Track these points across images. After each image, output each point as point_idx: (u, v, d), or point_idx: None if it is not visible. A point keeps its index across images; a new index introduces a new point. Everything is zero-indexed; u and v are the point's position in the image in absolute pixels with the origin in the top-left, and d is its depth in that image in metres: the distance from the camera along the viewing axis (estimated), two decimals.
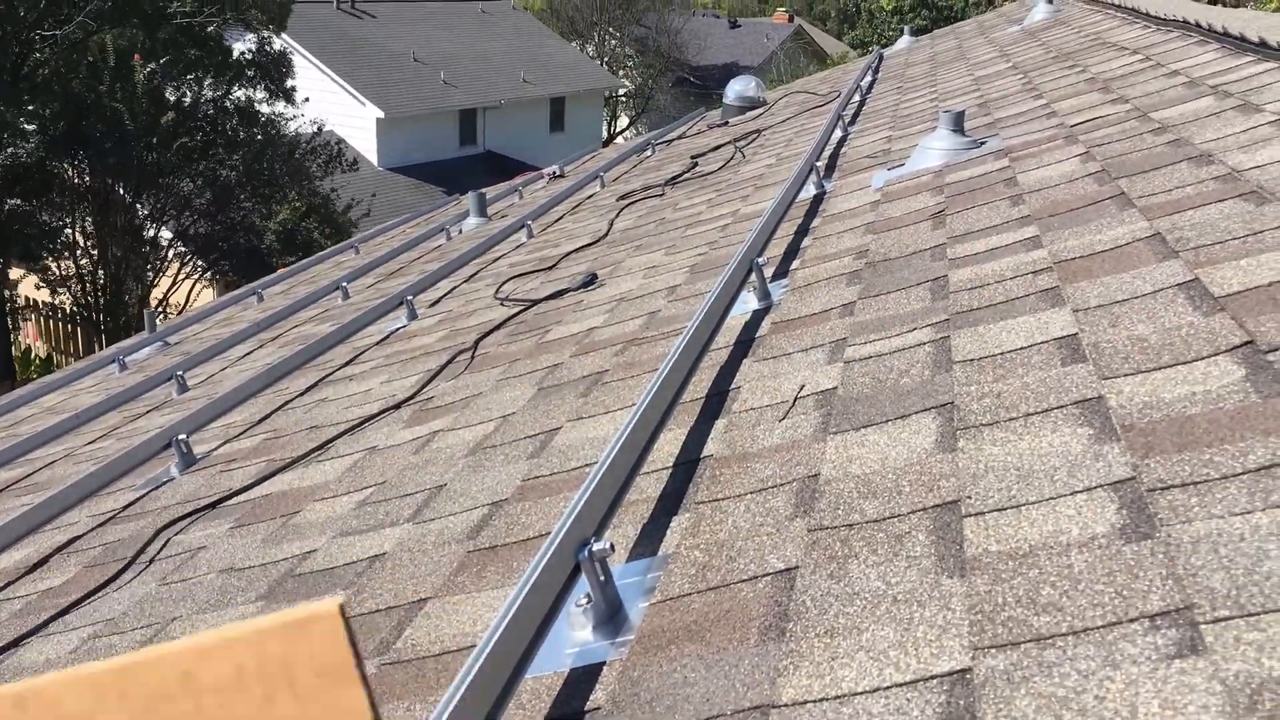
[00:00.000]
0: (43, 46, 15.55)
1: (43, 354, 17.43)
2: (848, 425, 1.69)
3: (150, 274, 17.12)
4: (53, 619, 2.07)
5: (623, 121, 35.86)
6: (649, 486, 1.73)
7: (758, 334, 2.37)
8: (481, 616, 1.49)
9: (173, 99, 16.34)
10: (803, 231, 3.28)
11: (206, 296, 17.25)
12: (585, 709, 1.19)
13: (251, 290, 6.98)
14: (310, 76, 22.91)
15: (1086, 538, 1.16)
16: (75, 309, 16.97)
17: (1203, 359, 1.48)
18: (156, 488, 2.86)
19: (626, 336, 2.77)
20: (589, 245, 4.51)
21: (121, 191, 16.29)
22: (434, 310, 4.25)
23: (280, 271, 7.91)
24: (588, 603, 1.33)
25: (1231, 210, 2.04)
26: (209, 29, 16.55)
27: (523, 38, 30.68)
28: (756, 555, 1.38)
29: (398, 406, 2.86)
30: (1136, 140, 2.89)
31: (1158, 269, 1.88)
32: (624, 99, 35.60)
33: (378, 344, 3.93)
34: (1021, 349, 1.75)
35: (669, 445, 1.87)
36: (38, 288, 17.07)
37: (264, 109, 17.75)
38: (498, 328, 3.43)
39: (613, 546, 1.34)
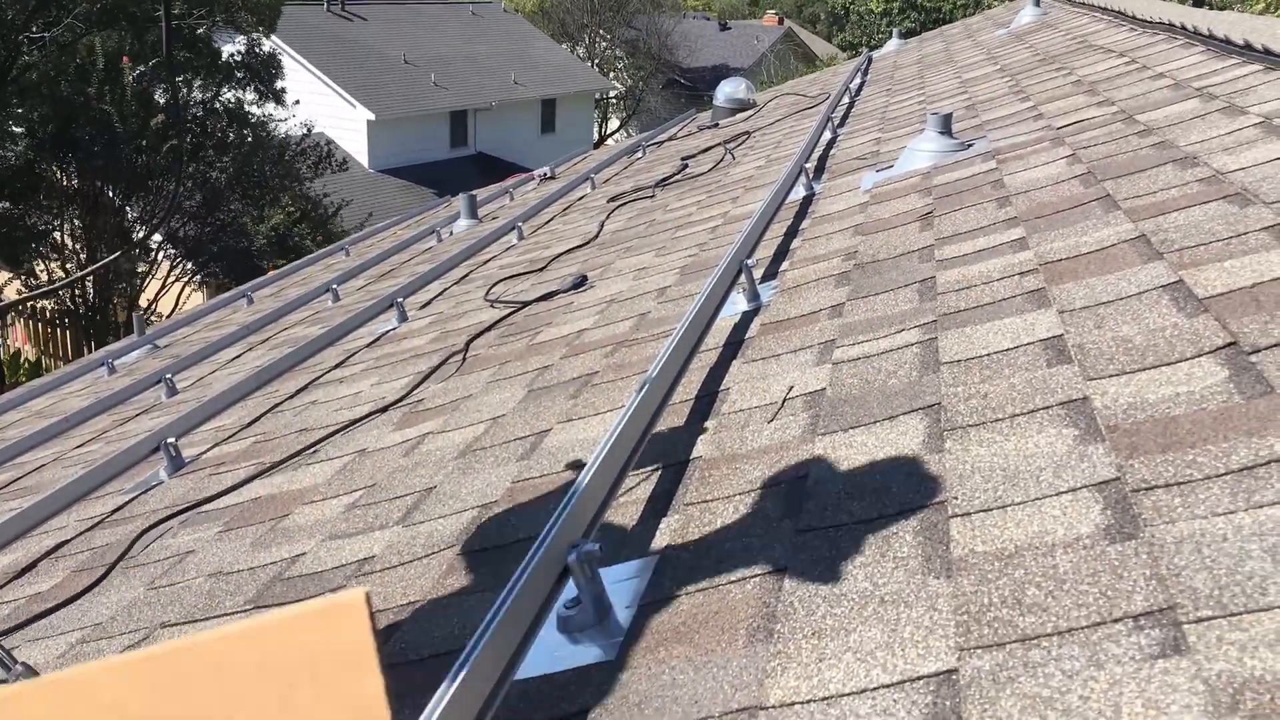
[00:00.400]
0: (31, 48, 15.48)
1: (31, 357, 17.35)
2: (836, 426, 1.69)
3: (139, 278, 17.05)
4: (30, 621, 2.06)
5: (613, 123, 35.87)
6: (638, 488, 1.73)
7: (747, 335, 2.38)
8: (469, 619, 1.49)
9: (162, 101, 16.27)
10: (792, 233, 3.29)
11: (196, 300, 17.19)
12: (574, 711, 1.19)
13: (241, 293, 6.97)
14: (300, 79, 22.88)
15: (1071, 538, 1.16)
16: (64, 312, 16.89)
17: (1186, 360, 1.49)
18: (145, 491, 2.85)
19: (617, 338, 2.77)
20: (579, 247, 4.52)
21: (110, 194, 16.23)
22: (425, 312, 4.25)
23: (270, 274, 7.90)
24: (576, 605, 1.34)
25: (1216, 212, 2.06)
26: (198, 31, 16.50)
27: (513, 40, 30.69)
28: (745, 556, 1.39)
29: (384, 410, 2.86)
30: (1122, 142, 2.90)
31: (1142, 270, 1.89)
32: (614, 101, 35.61)
33: (368, 346, 3.93)
34: (1008, 350, 1.76)
35: (658, 446, 1.87)
36: (19, 292, 16.99)
37: (254, 111, 17.70)
38: (488, 329, 3.43)
39: (601, 548, 1.35)
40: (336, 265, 7.18)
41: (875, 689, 1.03)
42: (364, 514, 2.10)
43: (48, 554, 2.56)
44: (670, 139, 8.28)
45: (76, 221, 16.41)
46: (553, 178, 8.18)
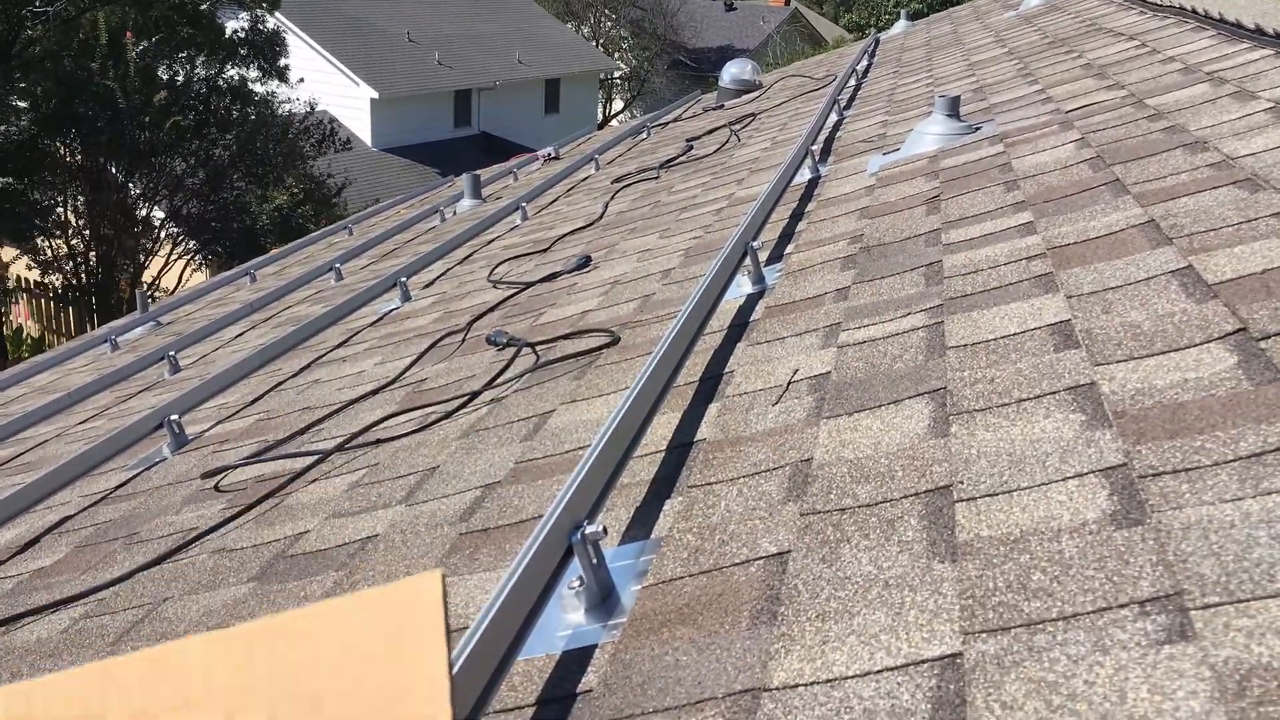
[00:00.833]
0: (34, 23, 15.43)
1: (34, 333, 17.37)
2: (841, 410, 1.69)
3: (142, 255, 17.04)
4: (49, 607, 2.07)
5: (618, 104, 35.74)
6: (642, 470, 1.73)
7: (752, 318, 2.37)
8: (474, 599, 1.49)
9: (165, 78, 16.22)
10: (797, 216, 3.28)
11: (199, 278, 17.18)
12: (577, 691, 1.19)
13: (244, 271, 6.96)
14: (304, 56, 22.79)
15: (1078, 523, 1.16)
16: (67, 288, 16.89)
17: (1195, 346, 1.49)
18: (148, 468, 2.85)
19: (620, 319, 2.77)
20: (584, 228, 4.50)
21: (113, 170, 16.20)
22: (428, 292, 4.24)
23: (273, 252, 7.89)
24: (580, 585, 1.34)
25: (1225, 197, 2.04)
26: (202, 7, 16.43)
27: (518, 19, 30.54)
28: (749, 539, 1.39)
29: (376, 392, 2.86)
30: (1131, 126, 2.89)
31: (1151, 256, 1.88)
32: (619, 81, 35.47)
33: (371, 325, 3.93)
34: (1015, 335, 1.75)
35: (662, 429, 1.87)
36: (29, 268, 16.99)
37: (257, 88, 17.65)
38: (492, 310, 3.43)
39: (605, 530, 1.34)
40: (340, 244, 7.17)
41: (879, 672, 1.03)
42: (367, 493, 2.10)
43: (51, 529, 2.56)
44: (675, 120, 8.24)
45: (80, 198, 16.39)
46: (557, 158, 8.15)
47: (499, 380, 2.54)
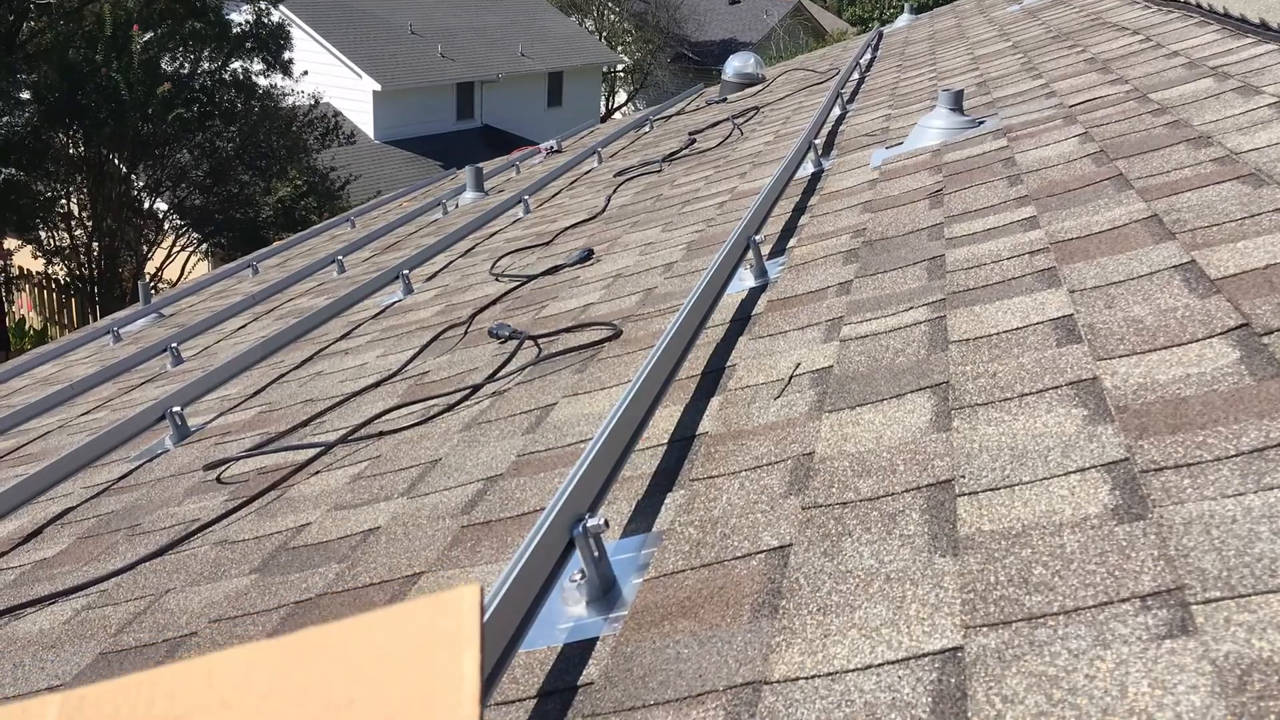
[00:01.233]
0: (38, 14, 15.42)
1: (37, 325, 17.38)
2: (843, 404, 1.69)
3: (145, 246, 17.04)
4: (50, 598, 2.07)
5: (621, 97, 35.69)
6: (644, 463, 1.73)
7: (754, 312, 2.37)
8: None
9: (169, 70, 16.21)
10: (800, 209, 3.28)
11: (201, 270, 17.18)
12: (578, 683, 1.19)
13: (247, 263, 6.96)
14: (307, 48, 22.76)
15: (1079, 518, 1.16)
16: (70, 280, 16.90)
17: (1198, 341, 1.48)
18: (151, 459, 2.86)
19: (623, 313, 2.77)
20: (586, 221, 4.50)
21: (117, 162, 16.19)
22: (430, 285, 4.24)
23: (276, 244, 7.89)
24: (581, 578, 1.34)
25: (1229, 192, 2.04)
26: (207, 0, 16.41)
27: (521, 11, 30.48)
28: (750, 533, 1.39)
29: (378, 385, 2.86)
30: (1135, 121, 2.88)
31: (1154, 250, 1.88)
32: (622, 74, 35.41)
33: (373, 318, 3.93)
34: (1017, 329, 1.75)
35: (664, 422, 1.87)
36: (34, 257, 16.99)
37: (261, 82, 17.63)
38: (494, 303, 3.43)
39: (607, 523, 1.35)
40: (342, 236, 7.17)
41: (880, 665, 1.03)
42: (369, 485, 2.10)
43: (53, 520, 2.57)
44: (678, 113, 8.23)
45: (83, 190, 16.39)
46: (559, 151, 8.15)
47: (501, 373, 2.54)
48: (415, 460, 2.15)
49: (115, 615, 1.85)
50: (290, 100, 18.23)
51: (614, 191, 5.01)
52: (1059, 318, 1.73)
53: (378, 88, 24.85)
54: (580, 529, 1.32)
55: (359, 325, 3.86)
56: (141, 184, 16.78)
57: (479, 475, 1.94)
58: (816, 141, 4.02)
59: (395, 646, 0.63)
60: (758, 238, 2.65)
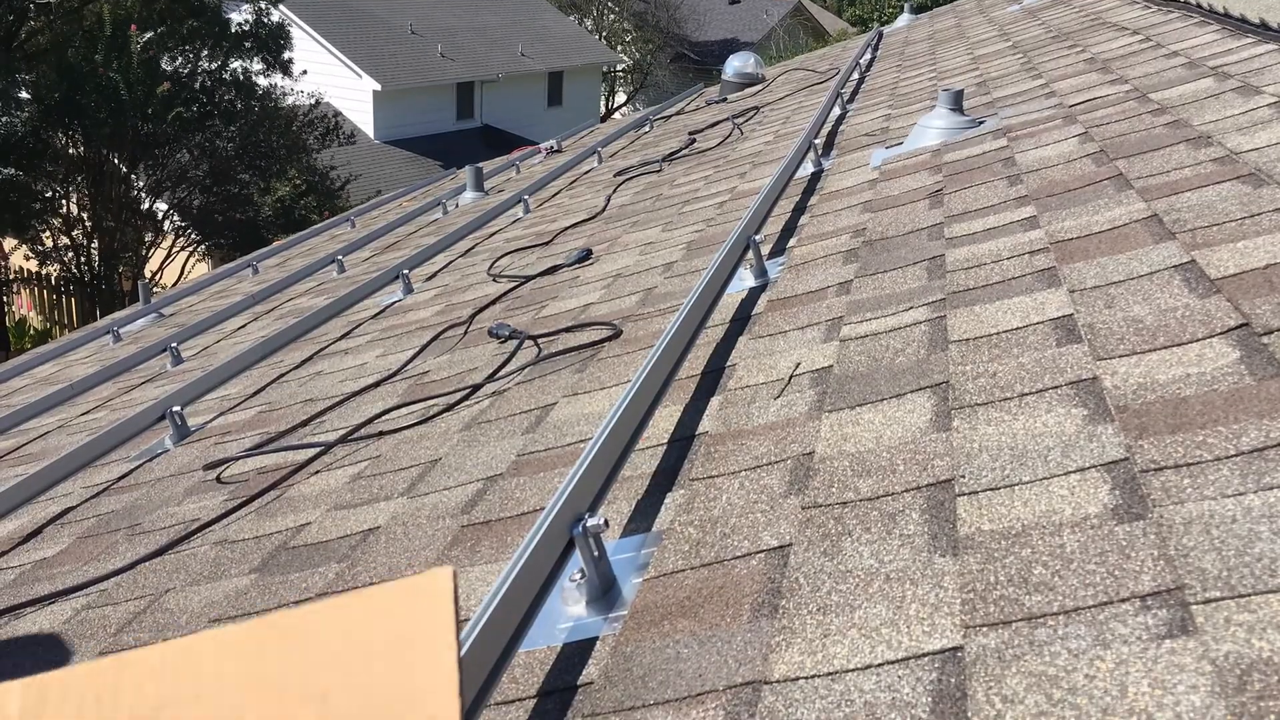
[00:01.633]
0: (37, 14, 15.41)
1: (38, 325, 17.38)
2: (843, 403, 1.69)
3: (145, 247, 17.03)
4: (49, 598, 2.07)
5: (620, 97, 35.69)
6: (644, 463, 1.73)
7: (754, 311, 2.37)
8: (475, 591, 1.50)
9: (169, 70, 16.21)
10: (800, 209, 3.28)
11: (200, 270, 17.17)
12: (578, 683, 1.19)
13: (247, 263, 6.97)
14: (307, 48, 22.76)
15: (1079, 518, 1.16)
16: (70, 280, 16.90)
17: (1198, 341, 1.48)
18: (151, 459, 2.86)
19: (622, 313, 2.77)
20: (586, 221, 4.50)
21: (116, 162, 16.19)
22: (430, 284, 4.24)
23: (276, 244, 7.89)
24: (581, 578, 1.34)
25: (1229, 192, 2.04)
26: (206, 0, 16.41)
27: (521, 11, 30.48)
28: (750, 532, 1.39)
29: (378, 385, 2.86)
30: (1135, 121, 2.88)
31: (1154, 250, 1.88)
32: (622, 74, 35.40)
33: (373, 318, 3.93)
34: (1017, 329, 1.75)
35: (664, 422, 1.87)
36: (26, 259, 16.99)
37: (261, 81, 17.63)
38: (494, 302, 3.43)
39: (607, 522, 1.34)
40: (342, 236, 7.17)
41: (880, 665, 1.03)
42: (369, 485, 2.10)
43: (53, 520, 2.57)
44: (678, 113, 8.23)
45: (83, 190, 16.38)
46: (559, 151, 8.15)
47: (501, 373, 2.54)
48: (415, 460, 2.15)
49: (115, 615, 1.85)
50: (290, 100, 18.23)
51: (614, 191, 5.01)
52: (1059, 317, 1.73)
53: (378, 87, 24.85)
54: (580, 529, 1.32)
55: (359, 325, 3.86)
56: (141, 184, 16.77)
57: (479, 475, 1.94)
58: (816, 141, 4.02)
59: (369, 632, 0.62)
60: (758, 237, 2.65)
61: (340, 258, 5.42)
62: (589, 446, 1.47)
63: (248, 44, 17.26)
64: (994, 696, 0.93)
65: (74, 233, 16.51)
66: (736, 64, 8.34)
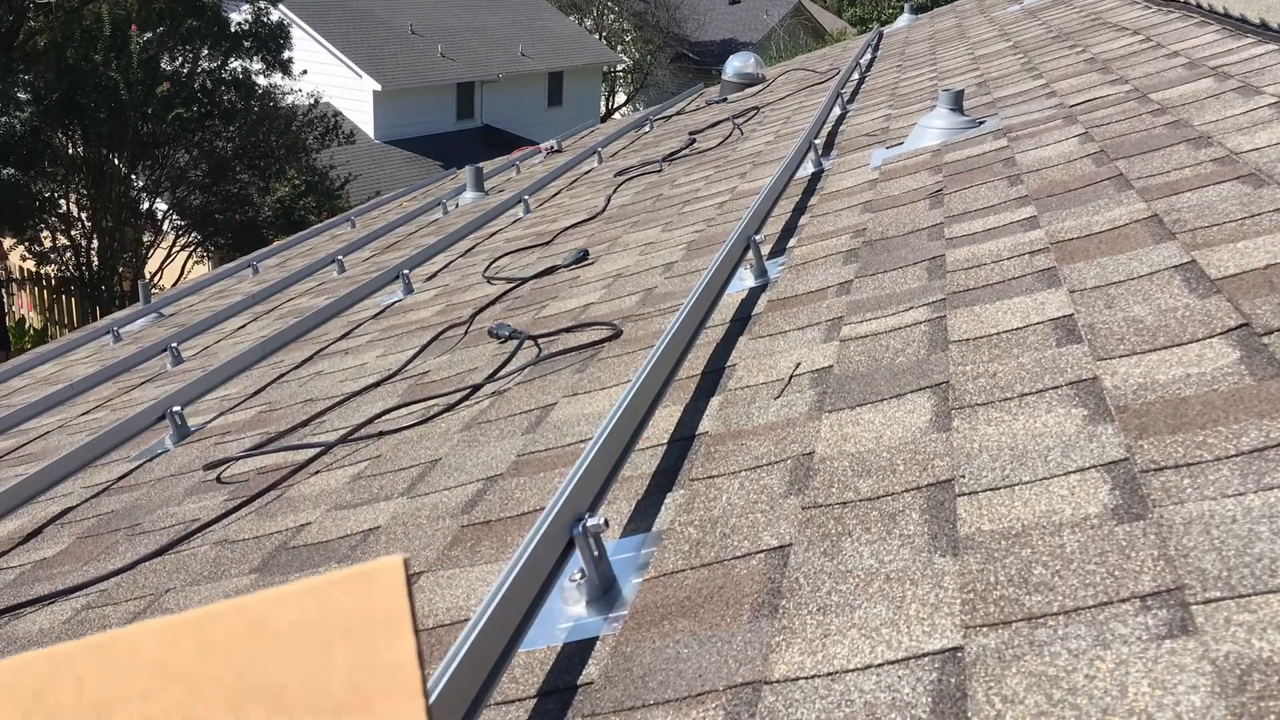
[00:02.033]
0: (37, 14, 15.40)
1: (37, 325, 17.38)
2: (843, 404, 1.69)
3: (145, 248, 17.02)
4: (49, 598, 2.07)
5: (621, 97, 35.69)
6: (644, 463, 1.73)
7: (754, 311, 2.37)
8: (475, 590, 1.50)
9: (168, 70, 16.20)
10: (800, 209, 3.28)
11: (201, 270, 17.17)
12: (578, 683, 1.19)
13: (247, 263, 6.97)
14: (307, 48, 22.76)
15: (1079, 518, 1.16)
16: (69, 280, 16.89)
17: (1198, 341, 1.48)
18: (151, 459, 2.86)
19: (623, 313, 2.77)
20: (586, 221, 4.50)
21: (116, 162, 16.18)
22: (430, 284, 4.24)
23: (276, 244, 7.89)
24: (581, 578, 1.34)
25: (1229, 192, 2.04)
26: None
27: (521, 11, 30.48)
28: (750, 532, 1.39)
29: (378, 385, 2.86)
30: (1135, 121, 2.88)
31: (1155, 250, 1.88)
32: (622, 74, 35.41)
33: (374, 318, 3.93)
34: (1017, 329, 1.75)
35: (664, 422, 1.87)
36: (22, 259, 16.99)
37: (260, 81, 17.62)
38: (494, 302, 3.43)
39: (607, 522, 1.34)
40: (342, 236, 7.17)
41: (880, 665, 1.03)
42: (369, 485, 2.10)
43: (53, 520, 2.57)
44: (678, 113, 8.23)
45: (82, 190, 16.37)
46: (559, 151, 8.15)
47: (501, 373, 2.54)
48: (415, 460, 2.15)
49: (115, 615, 1.85)
50: (290, 100, 18.22)
51: (614, 191, 5.01)
52: (1059, 318, 1.73)
53: (378, 87, 24.85)
54: (580, 528, 1.32)
55: (359, 325, 3.86)
56: (141, 184, 16.77)
57: (479, 475, 1.94)
58: (817, 141, 4.02)
59: (323, 622, 0.60)
60: (758, 237, 2.65)
61: (340, 258, 5.42)
62: (589, 446, 1.47)
63: (247, 43, 17.25)
64: (994, 697, 0.93)
65: (73, 233, 16.51)
66: (737, 64, 8.34)
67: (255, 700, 0.59)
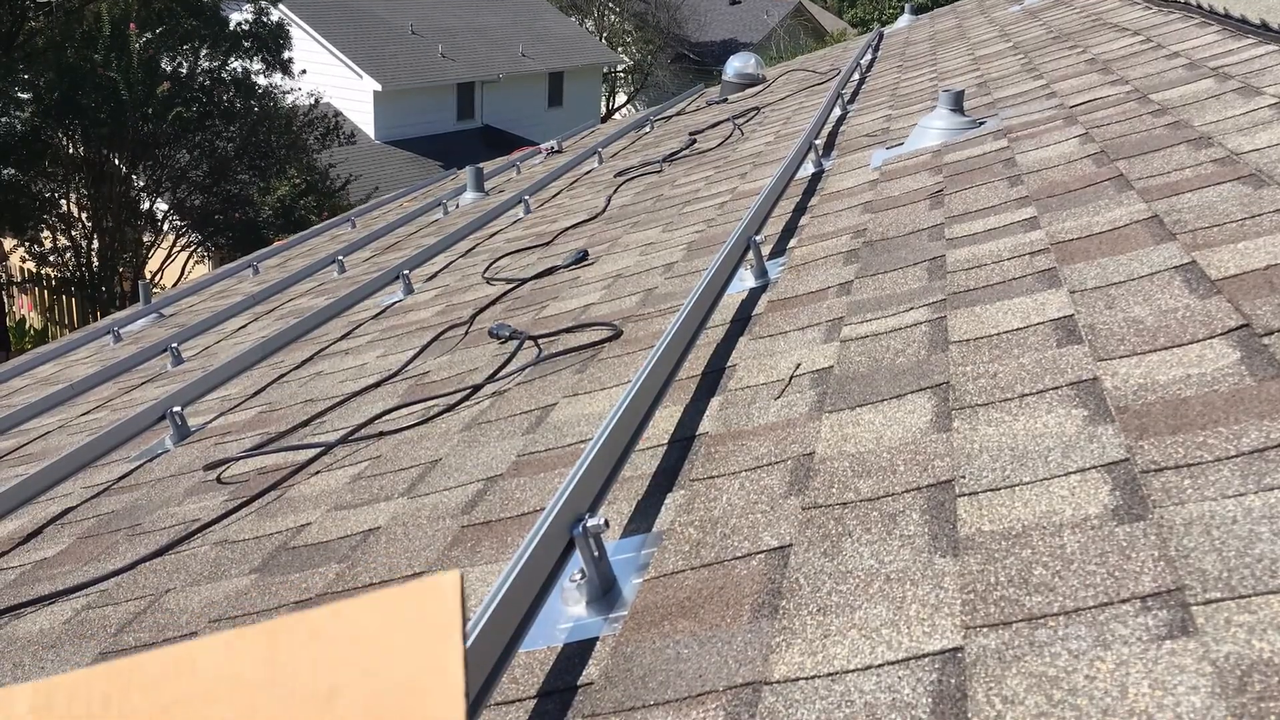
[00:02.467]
0: (37, 14, 15.41)
1: (38, 325, 17.38)
2: (843, 404, 1.69)
3: (145, 248, 17.02)
4: (49, 598, 2.07)
5: (621, 97, 35.69)
6: (644, 463, 1.73)
7: (754, 312, 2.37)
8: (475, 591, 1.50)
9: (168, 69, 16.20)
10: (800, 210, 3.28)
11: (200, 271, 17.17)
12: (578, 683, 1.19)
13: (247, 263, 6.97)
14: (307, 48, 22.76)
15: (1079, 518, 1.16)
16: (69, 280, 16.89)
17: (1198, 342, 1.48)
18: (151, 459, 2.86)
19: (623, 313, 2.77)
20: (586, 221, 4.50)
21: (116, 162, 16.18)
22: (431, 285, 4.24)
23: (276, 244, 7.89)
24: (581, 578, 1.34)
25: (1230, 193, 2.04)
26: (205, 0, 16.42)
27: (521, 12, 30.48)
28: (750, 533, 1.39)
29: (378, 385, 2.86)
30: (1136, 122, 2.88)
31: (1155, 251, 1.88)
32: (622, 75, 35.41)
33: (374, 318, 3.93)
34: (1018, 330, 1.75)
35: (664, 422, 1.87)
36: (22, 261, 16.99)
37: (260, 81, 17.62)
38: (494, 303, 3.43)
39: (607, 523, 1.34)
40: (342, 237, 7.17)
41: (880, 666, 1.03)
42: (369, 485, 2.10)
43: (53, 520, 2.57)
44: (678, 114, 8.23)
45: (83, 190, 16.37)
46: (560, 151, 8.15)
47: (501, 373, 2.54)
48: (415, 460, 2.15)
49: (115, 615, 1.85)
50: (290, 100, 18.22)
51: (614, 192, 5.01)
52: (1059, 318, 1.73)
53: (378, 88, 24.85)
54: (580, 529, 1.32)
55: (359, 325, 3.86)
56: (141, 184, 16.76)
57: (479, 475, 1.94)
58: (817, 142, 4.02)
59: (377, 635, 0.63)
60: (758, 238, 2.65)
61: (340, 258, 5.42)
62: (589, 447, 1.47)
63: (247, 43, 17.25)
64: (994, 697, 0.93)
65: (73, 233, 16.51)
66: (737, 64, 8.34)
67: (310, 704, 0.62)
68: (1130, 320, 1.63)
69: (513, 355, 2.63)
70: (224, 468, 2.51)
